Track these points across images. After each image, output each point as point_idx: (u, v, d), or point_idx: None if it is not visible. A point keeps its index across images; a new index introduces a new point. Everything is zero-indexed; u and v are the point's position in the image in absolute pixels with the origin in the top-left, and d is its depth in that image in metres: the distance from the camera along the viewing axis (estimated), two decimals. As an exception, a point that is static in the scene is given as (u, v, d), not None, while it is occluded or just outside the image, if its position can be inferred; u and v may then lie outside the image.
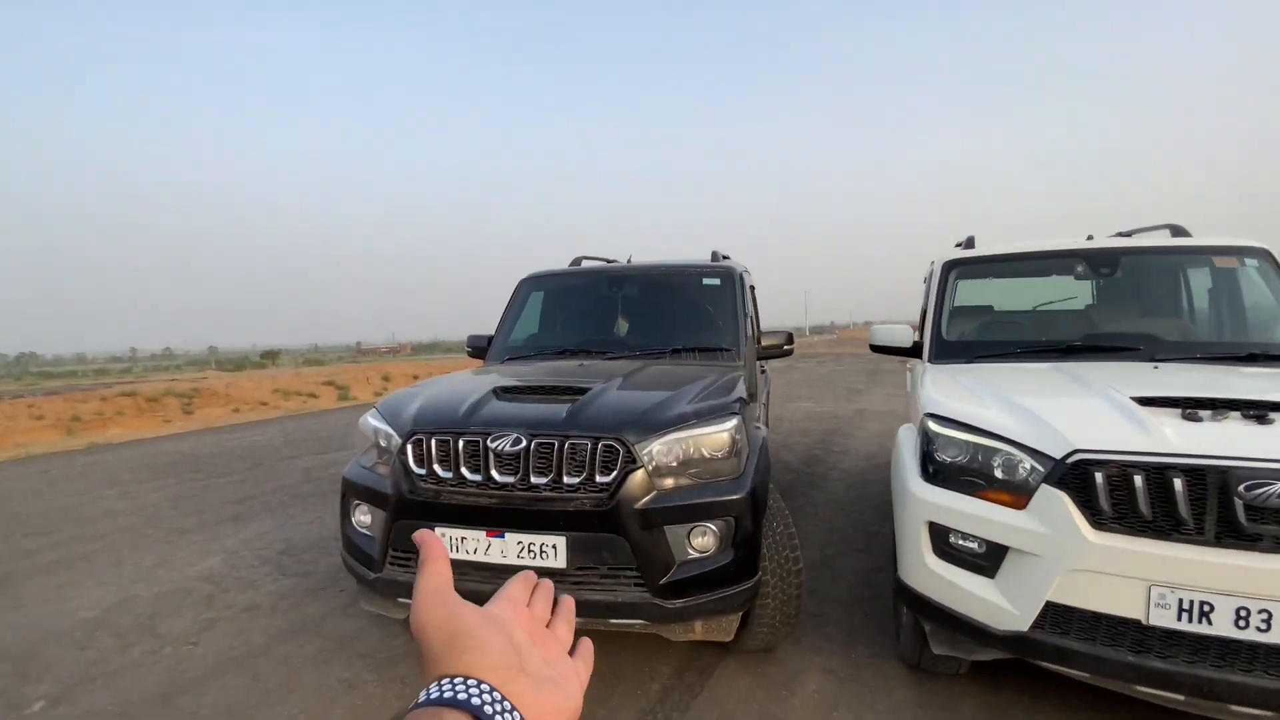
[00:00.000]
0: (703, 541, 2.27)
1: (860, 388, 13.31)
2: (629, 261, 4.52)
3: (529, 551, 2.23)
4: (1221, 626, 1.68)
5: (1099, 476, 1.84)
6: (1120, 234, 3.68)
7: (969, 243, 3.89)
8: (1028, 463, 1.99)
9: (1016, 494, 2.00)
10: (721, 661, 2.65)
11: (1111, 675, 1.83)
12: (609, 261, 4.77)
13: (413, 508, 2.32)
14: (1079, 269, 3.24)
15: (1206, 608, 1.69)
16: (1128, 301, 3.22)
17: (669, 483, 2.28)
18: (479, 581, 2.27)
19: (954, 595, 2.10)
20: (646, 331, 3.72)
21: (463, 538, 2.25)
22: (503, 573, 2.24)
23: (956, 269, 3.51)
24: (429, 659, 0.42)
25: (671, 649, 2.75)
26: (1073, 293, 3.42)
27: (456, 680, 0.39)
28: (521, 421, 2.34)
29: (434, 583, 0.44)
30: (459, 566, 2.29)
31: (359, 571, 2.52)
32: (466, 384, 2.83)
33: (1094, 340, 2.92)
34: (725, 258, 5.12)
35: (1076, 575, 1.84)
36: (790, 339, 3.76)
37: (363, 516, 2.55)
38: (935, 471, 2.25)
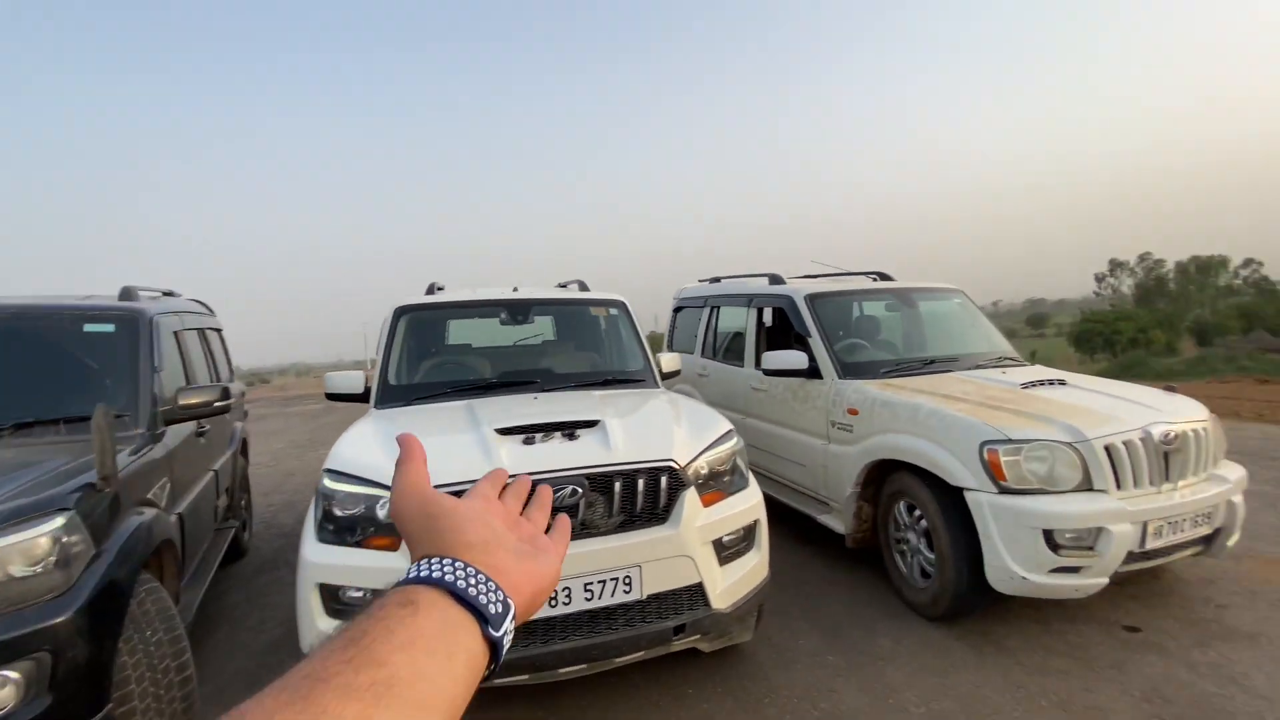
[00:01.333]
0: (-4, 696, 1.65)
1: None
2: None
3: None
4: (542, 609, 2.08)
5: (450, 506, 2.08)
6: (560, 285, 4.45)
7: (431, 289, 4.14)
8: (400, 504, 2.11)
9: (392, 536, 2.10)
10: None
11: (476, 679, 2.07)
12: None
13: None
14: (503, 315, 3.78)
15: (529, 598, 2.07)
16: (533, 342, 3.92)
17: (-84, 633, 1.58)
18: None
19: (348, 651, 2.06)
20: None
21: None
22: None
23: (406, 315, 3.66)
24: (410, 545, 0.45)
25: None
26: (509, 335, 3.98)
27: (433, 560, 0.41)
28: None
29: (411, 477, 0.48)
30: None
31: None
32: None
33: (506, 377, 3.42)
34: (167, 294, 4.19)
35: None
36: (226, 394, 3.25)
37: None
38: (334, 529, 2.20)
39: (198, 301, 4.83)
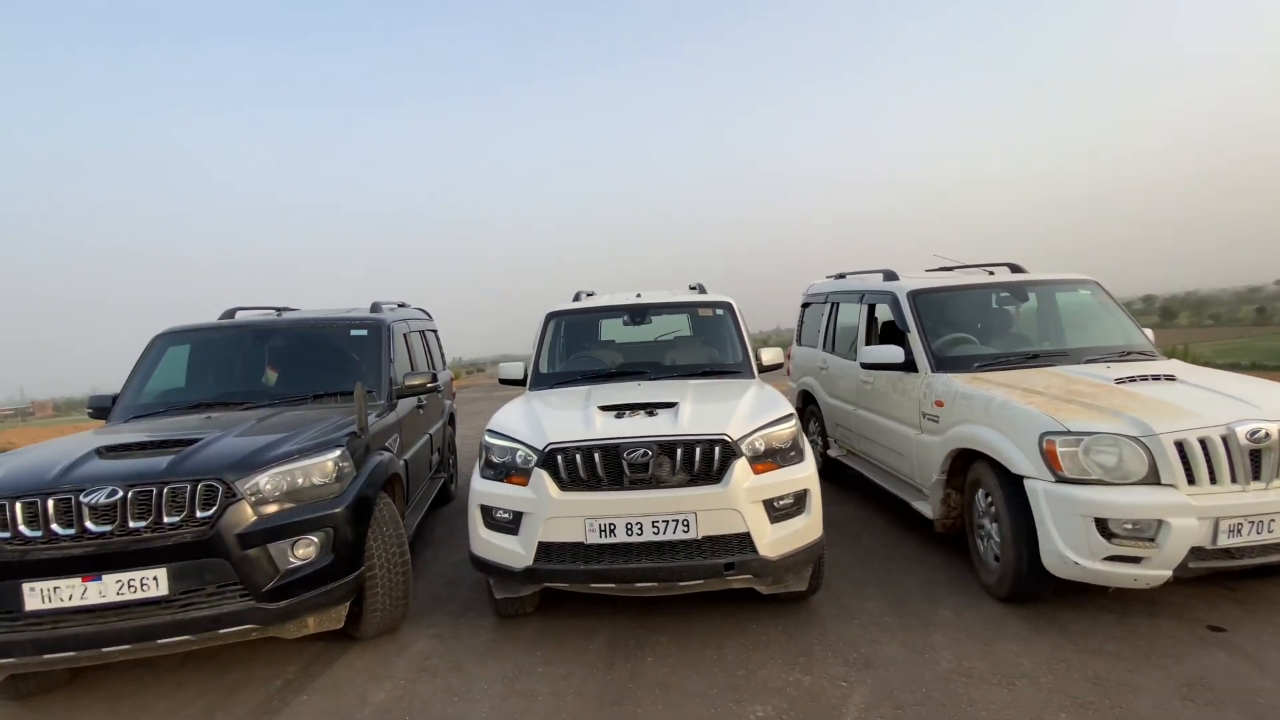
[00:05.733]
0: (305, 551, 2.86)
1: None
2: (280, 314, 4.86)
3: (129, 587, 2.57)
4: (620, 536, 2.86)
5: (560, 458, 2.94)
6: (692, 287, 5.18)
7: (577, 296, 5.14)
8: (530, 454, 3.02)
9: (524, 476, 3.02)
10: (347, 651, 3.23)
11: (578, 581, 2.92)
12: (281, 311, 5.05)
13: (-4, 569, 2.49)
14: (625, 318, 4.63)
15: (611, 526, 2.85)
16: (652, 339, 4.70)
17: (272, 508, 2.82)
18: (77, 626, 2.52)
19: (497, 552, 3.04)
20: (292, 381, 4.15)
21: (55, 588, 2.49)
22: (103, 613, 2.55)
23: (556, 319, 4.67)
24: None
25: (300, 652, 3.23)
26: (632, 334, 4.83)
27: None
28: (118, 475, 2.67)
29: None
30: (55, 616, 2.52)
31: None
32: (66, 447, 3.00)
33: (624, 368, 4.25)
34: (400, 305, 5.74)
35: (551, 521, 2.89)
36: (435, 378, 4.54)
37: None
38: (490, 469, 3.19)
39: (420, 309, 6.41)
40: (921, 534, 4.24)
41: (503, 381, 4.54)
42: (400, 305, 5.78)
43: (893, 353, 4.15)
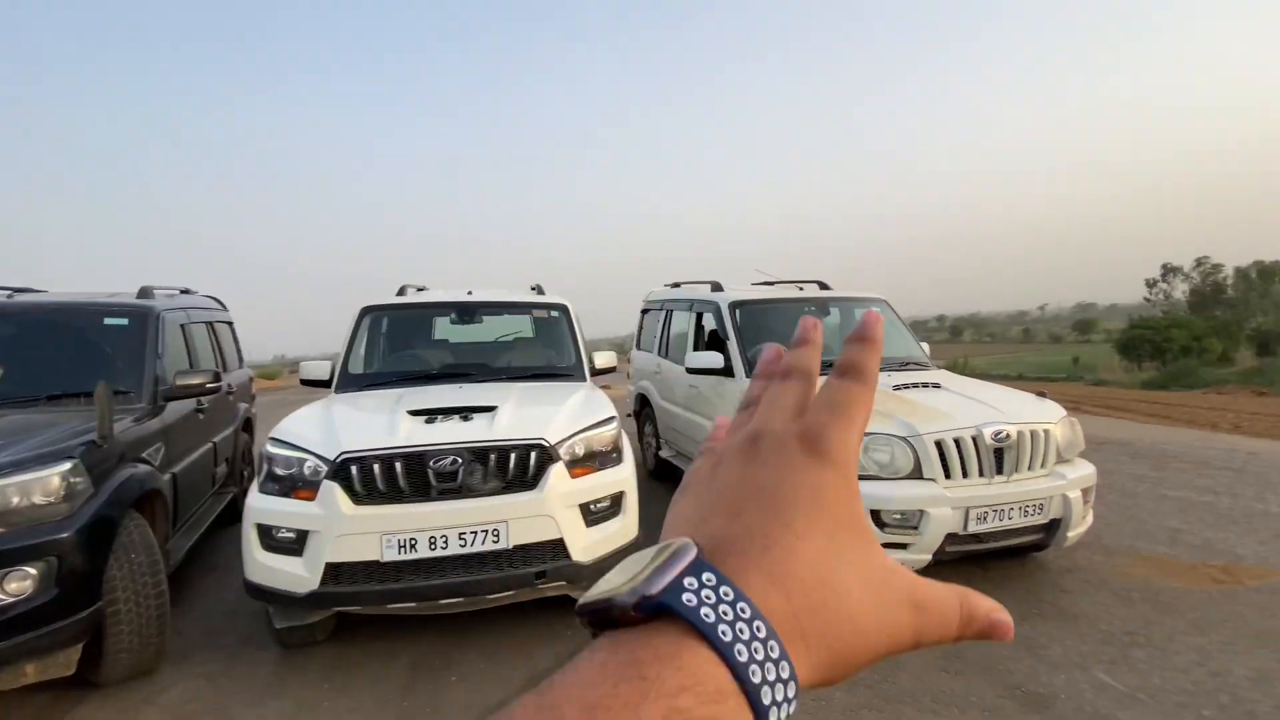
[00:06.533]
0: (18, 585, 2.31)
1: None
2: (11, 296, 3.97)
3: None
4: (423, 551, 2.66)
5: (355, 468, 2.67)
6: (531, 288, 5.00)
7: (402, 290, 4.77)
8: (319, 465, 2.71)
9: (311, 489, 2.70)
10: (84, 700, 2.67)
11: (371, 602, 2.66)
12: (16, 292, 4.13)
13: None
14: (453, 316, 4.38)
15: (412, 541, 2.64)
16: (487, 340, 4.50)
17: (-38, 537, 2.24)
18: None
19: (276, 577, 2.68)
20: (20, 378, 3.38)
21: None
22: None
23: (371, 314, 4.28)
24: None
25: (23, 704, 2.61)
26: (460, 333, 4.57)
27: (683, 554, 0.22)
28: None
29: None
30: None
31: None
32: None
33: (448, 369, 4.01)
34: (184, 291, 4.94)
35: (341, 539, 2.61)
36: (217, 378, 3.94)
37: None
38: (272, 482, 2.81)
39: (212, 298, 5.58)
40: (738, 531, 4.47)
41: (304, 383, 4.06)
42: (183, 291, 4.99)
43: (714, 359, 4.35)
